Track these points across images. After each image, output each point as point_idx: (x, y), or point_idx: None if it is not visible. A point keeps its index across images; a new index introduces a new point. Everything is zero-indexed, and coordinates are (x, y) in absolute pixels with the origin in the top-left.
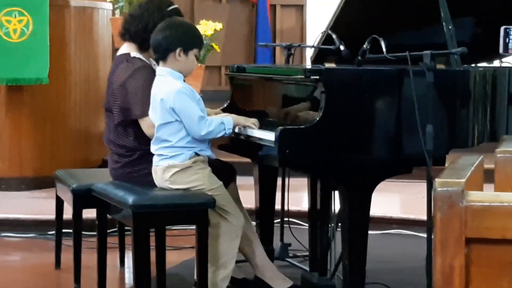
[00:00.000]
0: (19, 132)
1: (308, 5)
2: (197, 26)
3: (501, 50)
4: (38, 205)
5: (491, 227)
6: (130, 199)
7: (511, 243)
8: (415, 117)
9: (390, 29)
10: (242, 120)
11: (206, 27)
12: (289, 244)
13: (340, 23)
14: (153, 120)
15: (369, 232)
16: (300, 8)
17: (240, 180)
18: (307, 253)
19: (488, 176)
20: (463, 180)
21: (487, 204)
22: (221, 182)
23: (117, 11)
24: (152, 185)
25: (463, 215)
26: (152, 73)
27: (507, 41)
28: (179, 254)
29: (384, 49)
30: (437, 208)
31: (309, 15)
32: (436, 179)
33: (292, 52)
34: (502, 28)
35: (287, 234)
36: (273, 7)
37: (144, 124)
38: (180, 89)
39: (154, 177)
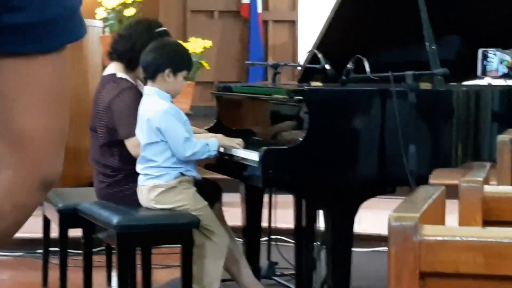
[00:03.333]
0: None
1: (299, 21)
2: (187, 44)
3: (479, 72)
4: (26, 223)
5: (444, 261)
6: (115, 219)
7: (464, 277)
8: (398, 137)
9: (377, 47)
10: (227, 141)
11: (196, 45)
12: (276, 263)
13: (327, 41)
14: (140, 139)
15: (359, 249)
16: (292, 24)
17: (227, 197)
18: (294, 272)
19: None
20: (418, 214)
21: (441, 238)
22: (206, 202)
23: (107, 29)
24: (137, 204)
25: (417, 249)
26: (138, 94)
27: (484, 63)
28: (168, 272)
29: (367, 69)
30: (392, 243)
31: (301, 31)
32: (390, 213)
33: (279, 71)
34: (480, 51)
35: (274, 252)
36: (266, 22)
37: (129, 144)
38: (167, 109)
39: (139, 196)
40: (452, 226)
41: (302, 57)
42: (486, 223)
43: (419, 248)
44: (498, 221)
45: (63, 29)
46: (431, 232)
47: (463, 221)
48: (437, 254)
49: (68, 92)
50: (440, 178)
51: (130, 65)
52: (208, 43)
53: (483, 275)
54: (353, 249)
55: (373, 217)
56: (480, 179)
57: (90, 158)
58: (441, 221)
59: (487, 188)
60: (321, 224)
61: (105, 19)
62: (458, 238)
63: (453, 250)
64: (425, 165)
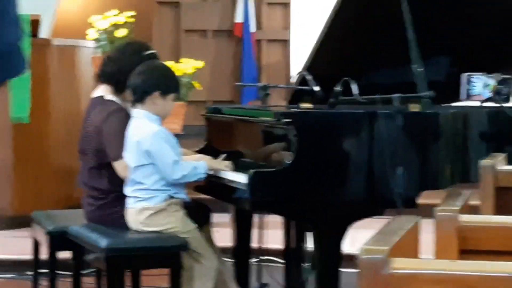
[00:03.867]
0: (0, 170)
1: (292, 40)
2: (179, 64)
3: (463, 96)
4: (18, 245)
5: None
6: (103, 242)
7: None
8: (386, 159)
9: (366, 69)
10: (215, 164)
11: (187, 65)
12: (266, 284)
13: (317, 62)
14: (128, 161)
15: (350, 270)
16: (285, 43)
17: (217, 217)
18: None
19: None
20: (388, 247)
21: (410, 271)
22: (194, 225)
23: (99, 50)
24: (126, 227)
25: (387, 282)
26: (127, 116)
27: (468, 88)
28: None
29: (355, 92)
30: (362, 276)
31: (293, 50)
32: (361, 246)
33: (269, 92)
34: (464, 76)
35: (264, 273)
36: (259, 42)
37: (118, 166)
38: (157, 132)
39: (128, 219)
40: (422, 260)
41: (293, 77)
42: (463, 252)
43: (389, 281)
44: (474, 250)
45: (1, 66)
46: (400, 265)
47: (439, 250)
48: (407, 287)
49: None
50: (430, 198)
51: (118, 88)
52: (199, 64)
53: None
54: (347, 269)
55: (364, 237)
56: (456, 208)
57: (78, 181)
58: (414, 253)
59: (463, 217)
60: (310, 245)
61: (96, 40)
62: (427, 271)
63: (423, 283)
64: (413, 187)
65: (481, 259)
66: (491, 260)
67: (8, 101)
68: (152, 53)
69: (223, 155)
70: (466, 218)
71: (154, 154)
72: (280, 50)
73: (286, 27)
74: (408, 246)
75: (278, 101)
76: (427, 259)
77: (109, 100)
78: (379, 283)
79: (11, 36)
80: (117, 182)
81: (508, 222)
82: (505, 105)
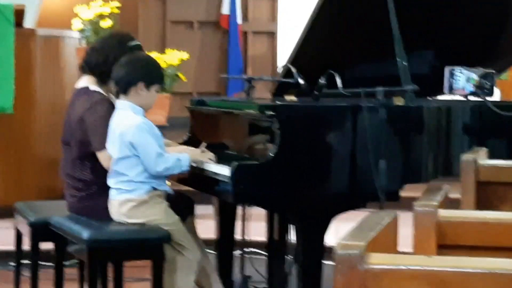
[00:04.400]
0: None
1: (279, 32)
2: (164, 55)
3: (445, 90)
4: (0, 236)
5: None
6: (85, 233)
7: None
8: (369, 152)
9: (351, 62)
10: (199, 155)
11: (172, 56)
12: (250, 277)
13: (301, 55)
14: (111, 153)
15: (331, 262)
16: (272, 35)
17: (200, 209)
18: (267, 286)
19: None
20: (364, 243)
21: (386, 267)
22: (177, 217)
23: (84, 41)
24: (109, 218)
25: (363, 278)
26: (111, 107)
27: (451, 81)
28: (140, 286)
29: (339, 85)
30: (338, 271)
31: (280, 42)
32: (338, 242)
33: (253, 84)
34: (446, 69)
35: (248, 265)
36: (245, 34)
37: (101, 157)
38: (140, 124)
39: (110, 210)
40: (398, 255)
41: (279, 69)
42: (441, 247)
43: (365, 276)
44: (453, 245)
45: None
46: (376, 261)
47: (417, 246)
48: (382, 283)
49: None
50: (412, 191)
51: (102, 79)
52: (185, 55)
53: None
54: (330, 262)
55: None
56: (435, 203)
57: (61, 172)
58: (393, 247)
59: (442, 212)
60: (293, 237)
61: (81, 31)
62: (403, 267)
63: (398, 278)
64: (396, 181)
65: (459, 254)
66: (469, 256)
67: None
68: (136, 44)
69: (204, 144)
70: (444, 213)
71: (137, 146)
72: (266, 42)
73: (273, 19)
74: (386, 241)
75: (263, 94)
76: (403, 255)
77: (93, 91)
78: (356, 279)
79: None
80: (100, 173)
81: (486, 218)
82: (487, 99)
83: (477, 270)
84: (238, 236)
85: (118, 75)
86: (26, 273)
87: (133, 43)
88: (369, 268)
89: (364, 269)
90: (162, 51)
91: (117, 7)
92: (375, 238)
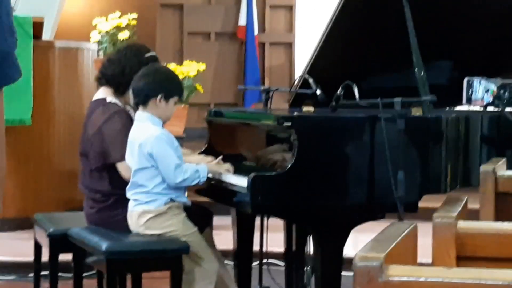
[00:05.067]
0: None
1: (297, 43)
2: (181, 67)
3: (464, 101)
4: (19, 247)
5: None
6: (104, 245)
7: None
8: (387, 163)
9: (368, 73)
10: (216, 167)
11: (190, 68)
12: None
13: (318, 65)
14: (130, 164)
15: (350, 273)
16: (289, 46)
17: (218, 220)
18: None
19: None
20: (383, 254)
21: (406, 279)
22: (195, 228)
23: (101, 52)
24: (127, 230)
25: None
26: (128, 118)
27: (470, 92)
28: None
29: (357, 95)
30: (357, 283)
31: (298, 53)
32: (357, 253)
33: (270, 95)
34: (465, 80)
35: (266, 276)
36: (262, 45)
37: (121, 168)
38: (159, 135)
39: (129, 222)
40: (417, 267)
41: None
42: (460, 258)
43: None
44: (472, 256)
45: None
46: (396, 273)
47: (436, 257)
48: None
49: (3, 132)
50: (431, 201)
51: (119, 90)
52: (202, 66)
53: None
54: (349, 273)
55: (366, 241)
56: (454, 214)
57: (79, 184)
58: (412, 258)
59: (461, 223)
60: (311, 248)
61: (99, 42)
62: (422, 279)
63: None
64: (414, 192)
65: (478, 265)
66: (489, 267)
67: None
68: (152, 56)
69: (220, 157)
70: (463, 224)
71: (156, 157)
72: (283, 53)
73: (290, 30)
74: (405, 252)
75: (281, 104)
76: (422, 266)
77: (110, 102)
78: None
79: (5, 44)
80: (118, 185)
81: (505, 229)
82: (506, 109)
83: (498, 282)
84: (256, 247)
85: (137, 86)
86: (45, 284)
87: (150, 54)
88: (388, 280)
89: (383, 281)
90: (179, 62)
91: (135, 19)
92: (394, 250)
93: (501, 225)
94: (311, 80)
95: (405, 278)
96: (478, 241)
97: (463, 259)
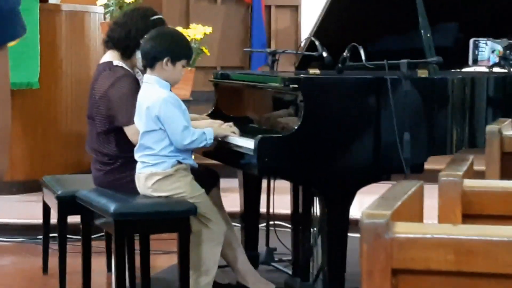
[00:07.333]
0: (10, 136)
1: (303, 5)
2: (188, 30)
3: (470, 61)
4: (28, 209)
5: (415, 258)
6: (112, 206)
7: (434, 273)
8: (393, 124)
9: (374, 35)
10: (222, 130)
11: (196, 31)
12: (275, 249)
13: (324, 28)
14: (138, 127)
15: (357, 235)
16: (295, 8)
17: (225, 182)
18: (292, 258)
19: (480, 176)
20: (389, 211)
21: (412, 235)
22: (203, 190)
23: (108, 15)
24: (135, 192)
25: (388, 246)
26: (135, 82)
27: (476, 53)
28: (167, 258)
29: (363, 57)
30: (363, 240)
31: (304, 15)
32: (363, 211)
33: (277, 58)
34: (471, 41)
35: (273, 238)
36: (268, 8)
37: (129, 131)
38: (166, 98)
39: (136, 184)
40: (424, 224)
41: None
42: (466, 217)
43: (391, 245)
44: (478, 215)
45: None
46: (402, 230)
47: (442, 215)
48: (408, 252)
49: (8, 89)
50: (436, 163)
51: (126, 53)
52: (208, 29)
53: (454, 272)
54: (354, 234)
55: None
56: (460, 173)
57: (86, 146)
58: (419, 217)
59: (467, 182)
60: (318, 210)
61: (105, 6)
62: (429, 236)
63: (424, 247)
64: (420, 153)
65: (485, 223)
66: (494, 225)
67: (8, 66)
68: (159, 18)
69: (231, 123)
70: (470, 182)
71: (164, 119)
72: (290, 16)
73: None
74: (411, 210)
75: (287, 67)
76: (429, 224)
77: (116, 66)
78: (381, 247)
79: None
80: (125, 147)
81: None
82: None
83: (504, 239)
84: (263, 209)
85: (144, 49)
86: (54, 246)
87: (156, 17)
88: (395, 237)
89: (390, 238)
90: (185, 26)
91: None
92: (400, 207)
93: (507, 183)
94: (317, 43)
95: (411, 235)
96: (484, 199)
97: (469, 217)
